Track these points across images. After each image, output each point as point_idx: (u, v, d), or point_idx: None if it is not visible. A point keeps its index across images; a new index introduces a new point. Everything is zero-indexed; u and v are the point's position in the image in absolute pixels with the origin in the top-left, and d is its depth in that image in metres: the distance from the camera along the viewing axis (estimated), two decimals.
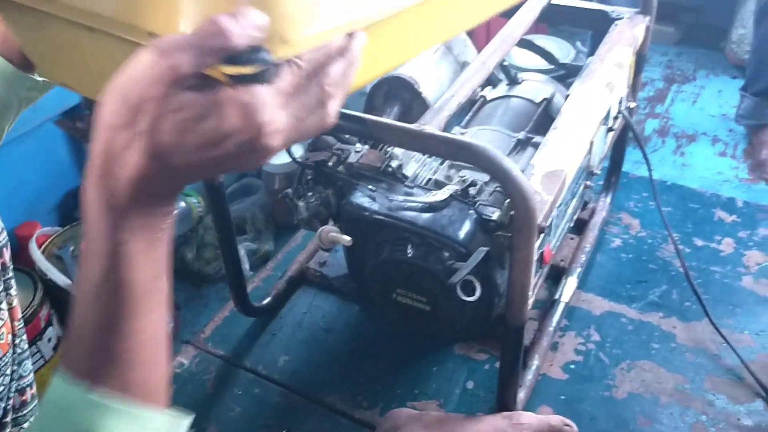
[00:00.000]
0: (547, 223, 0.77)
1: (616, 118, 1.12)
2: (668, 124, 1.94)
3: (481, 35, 1.94)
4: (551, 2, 1.15)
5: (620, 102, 1.13)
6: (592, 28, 1.23)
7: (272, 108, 0.38)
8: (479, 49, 1.90)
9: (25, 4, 0.50)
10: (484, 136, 1.13)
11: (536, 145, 1.04)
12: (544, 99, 1.19)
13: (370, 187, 1.00)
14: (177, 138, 0.37)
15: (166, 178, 0.40)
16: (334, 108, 0.43)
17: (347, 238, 0.99)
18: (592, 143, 0.99)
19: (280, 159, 1.59)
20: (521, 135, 1.10)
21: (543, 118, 1.16)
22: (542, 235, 0.81)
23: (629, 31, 1.11)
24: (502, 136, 1.12)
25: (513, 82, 1.26)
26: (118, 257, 0.40)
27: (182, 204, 1.43)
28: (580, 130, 0.90)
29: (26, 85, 0.65)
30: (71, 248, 1.18)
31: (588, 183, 1.09)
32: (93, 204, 0.40)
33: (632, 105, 1.20)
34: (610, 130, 1.11)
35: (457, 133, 1.12)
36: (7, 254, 0.66)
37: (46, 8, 0.49)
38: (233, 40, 0.36)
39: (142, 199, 0.40)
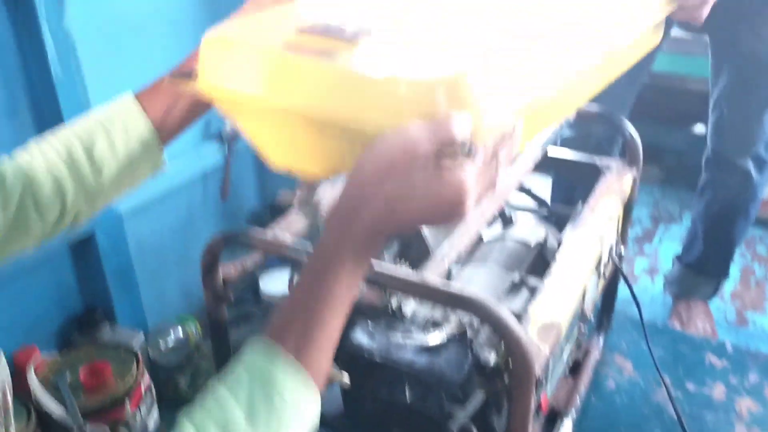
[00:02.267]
0: (544, 374, 0.79)
1: (606, 264, 1.17)
2: (657, 264, 2.00)
3: None
4: (548, 155, 1.23)
5: (610, 249, 1.18)
6: (583, 179, 1.30)
7: (473, 182, 0.53)
8: None
9: (271, 109, 0.63)
10: (482, 276, 1.17)
11: (531, 288, 1.08)
12: (538, 242, 1.24)
13: (369, 324, 1.03)
14: (407, 196, 0.52)
15: (393, 225, 0.53)
16: (498, 180, 0.58)
17: (346, 377, 1.00)
18: (584, 290, 1.03)
19: (280, 287, 1.62)
20: (516, 277, 1.14)
21: (537, 259, 1.21)
22: (539, 385, 0.83)
23: (617, 183, 1.18)
24: (499, 277, 1.16)
25: (507, 222, 1.32)
26: (336, 275, 0.54)
27: (179, 332, 1.44)
28: (573, 281, 0.94)
29: (153, 161, 0.75)
30: (68, 376, 1.18)
31: (581, 325, 1.12)
32: (333, 233, 0.54)
33: (622, 251, 1.25)
34: (601, 276, 1.15)
35: (455, 272, 1.15)
36: (9, 395, 0.67)
37: (289, 117, 0.62)
38: (459, 135, 0.52)
39: (371, 237, 0.53)
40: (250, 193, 1.84)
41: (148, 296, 1.52)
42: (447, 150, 0.52)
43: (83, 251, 1.36)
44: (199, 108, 0.75)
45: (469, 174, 0.52)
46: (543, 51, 0.67)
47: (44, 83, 1.15)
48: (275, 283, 1.60)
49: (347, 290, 0.55)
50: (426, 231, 1.19)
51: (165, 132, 0.74)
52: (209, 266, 0.89)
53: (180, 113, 0.74)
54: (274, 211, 1.83)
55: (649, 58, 1.54)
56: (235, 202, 1.76)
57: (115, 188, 0.74)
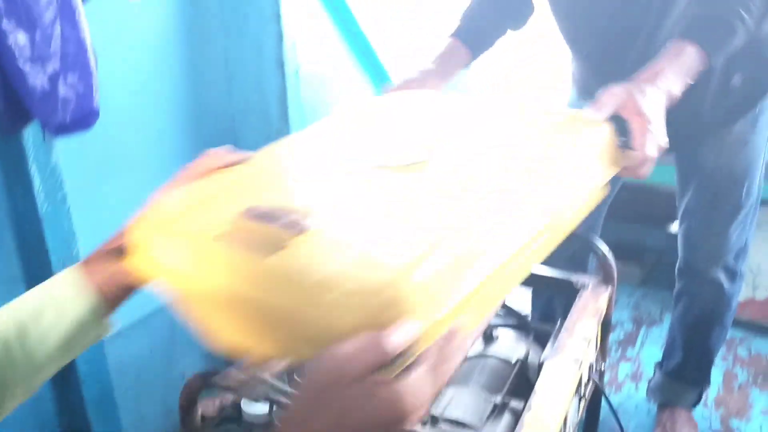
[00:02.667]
0: None
1: (587, 384, 1.18)
2: (640, 368, 2.01)
3: None
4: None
5: (590, 368, 1.20)
6: (562, 294, 1.33)
7: (415, 392, 0.51)
8: None
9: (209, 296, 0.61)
10: (463, 399, 1.17)
11: (513, 410, 1.08)
12: (518, 359, 1.25)
13: None
14: (343, 425, 0.50)
15: None
16: (445, 379, 0.56)
17: None
18: (565, 417, 1.04)
19: (262, 408, 1.60)
20: (498, 399, 1.14)
21: (518, 378, 1.21)
22: None
23: (593, 303, 1.20)
24: (480, 399, 1.15)
25: (488, 339, 1.33)
26: None
27: None
28: (553, 412, 0.95)
29: (94, 335, 0.72)
30: None
31: None
32: None
33: (602, 367, 1.26)
34: (582, 398, 1.15)
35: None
36: None
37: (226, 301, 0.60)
38: (394, 348, 0.51)
39: None
40: None
41: (129, 420, 1.50)
42: (380, 364, 0.51)
43: (62, 378, 1.35)
44: (138, 282, 0.72)
45: (408, 386, 0.51)
46: (486, 238, 0.65)
47: (30, 215, 1.17)
48: (258, 404, 1.58)
49: None
50: None
51: (110, 302, 0.72)
52: (187, 407, 0.90)
53: (117, 286, 0.71)
54: None
55: (617, 179, 1.60)
56: None
57: (54, 365, 0.71)
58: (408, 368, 0.52)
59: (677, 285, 1.69)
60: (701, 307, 1.64)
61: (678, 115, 1.04)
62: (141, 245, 0.65)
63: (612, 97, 0.97)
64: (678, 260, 1.67)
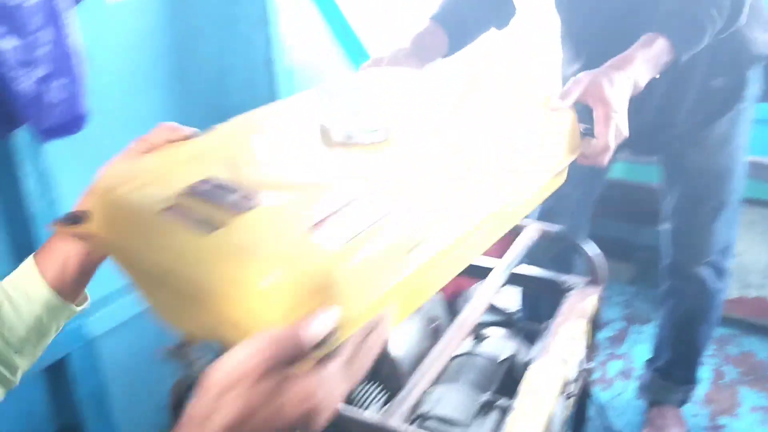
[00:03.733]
0: None
1: (574, 382, 1.19)
2: (631, 365, 2.02)
3: (449, 285, 2.06)
4: (513, 272, 1.27)
5: (578, 366, 1.21)
6: (548, 295, 1.34)
7: (329, 387, 0.49)
8: (447, 299, 2.00)
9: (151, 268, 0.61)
10: (452, 396, 1.18)
11: (501, 408, 1.10)
12: (506, 358, 1.26)
13: None
14: (247, 417, 0.47)
15: None
16: (362, 372, 0.54)
17: None
18: (552, 415, 1.05)
19: None
20: (486, 397, 1.15)
21: (506, 376, 1.23)
22: None
23: (581, 304, 1.21)
24: (468, 397, 1.17)
25: (477, 337, 1.34)
26: None
27: None
28: (539, 411, 0.96)
29: (66, 314, 0.74)
30: None
31: None
32: None
33: (591, 366, 1.27)
34: (569, 396, 1.17)
35: (426, 393, 1.16)
36: None
37: (165, 276, 0.60)
38: (310, 339, 0.48)
39: None
40: None
41: (122, 416, 1.51)
42: (297, 357, 0.48)
43: (56, 375, 1.36)
44: (93, 260, 0.73)
45: (326, 379, 0.49)
46: (429, 224, 0.64)
47: (22, 218, 1.18)
48: None
49: None
50: (396, 352, 1.21)
51: (66, 289, 0.73)
52: (176, 405, 0.91)
53: (74, 268, 0.72)
54: None
55: (604, 172, 1.61)
56: None
57: (31, 348, 0.73)
58: (323, 360, 0.49)
59: (664, 284, 1.71)
60: (688, 305, 1.65)
61: (660, 119, 1.06)
62: (95, 209, 0.66)
63: (578, 84, 0.97)
64: (664, 258, 1.68)
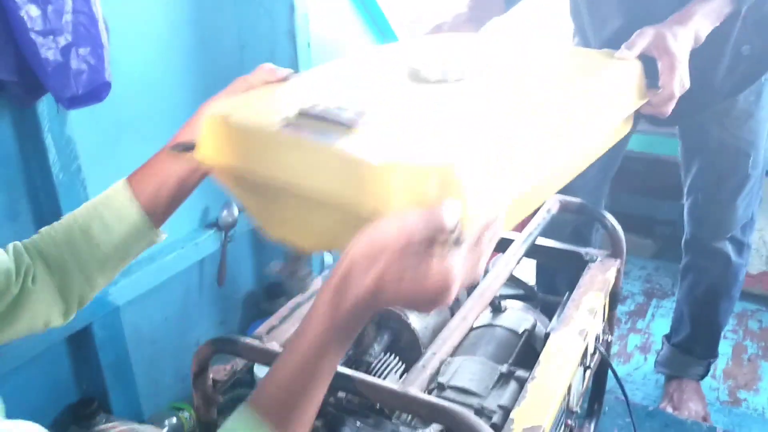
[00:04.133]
0: None
1: (593, 354, 1.19)
2: (650, 340, 2.02)
3: None
4: (535, 243, 1.27)
5: (597, 339, 1.21)
6: (569, 267, 1.34)
7: (460, 270, 0.55)
8: None
9: (268, 185, 0.66)
10: (470, 367, 1.19)
11: (519, 379, 1.10)
12: (525, 330, 1.26)
13: (358, 424, 1.04)
14: (396, 279, 0.54)
15: (375, 303, 0.56)
16: (483, 266, 0.60)
17: None
18: (570, 385, 1.05)
19: None
20: (504, 368, 1.16)
21: (525, 348, 1.23)
22: None
23: (601, 275, 1.21)
24: (487, 368, 1.17)
25: (496, 309, 1.34)
26: (321, 352, 0.57)
27: (174, 421, 1.45)
28: (557, 381, 0.96)
29: (148, 240, 0.80)
30: None
31: (569, 422, 1.13)
32: (321, 309, 0.56)
33: (609, 339, 1.27)
34: (587, 368, 1.17)
35: (444, 363, 1.17)
36: None
37: (284, 191, 0.65)
38: (450, 223, 0.54)
39: (356, 314, 0.56)
40: (246, 277, 1.87)
41: (144, 385, 1.54)
42: (438, 238, 0.54)
43: (79, 343, 1.38)
44: (188, 186, 0.80)
45: (457, 263, 0.55)
46: (529, 142, 0.70)
47: (46, 186, 1.19)
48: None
49: (329, 365, 0.58)
50: (416, 324, 1.22)
51: (157, 212, 0.80)
52: (199, 372, 0.92)
53: (168, 192, 0.79)
54: (269, 294, 1.86)
55: (620, 148, 1.60)
56: (231, 287, 1.79)
57: (112, 267, 0.81)
58: (456, 247, 0.55)
59: (684, 258, 1.70)
60: (709, 280, 1.64)
61: (692, 83, 1.05)
62: (210, 138, 0.70)
63: (643, 36, 1.02)
64: (684, 233, 1.67)
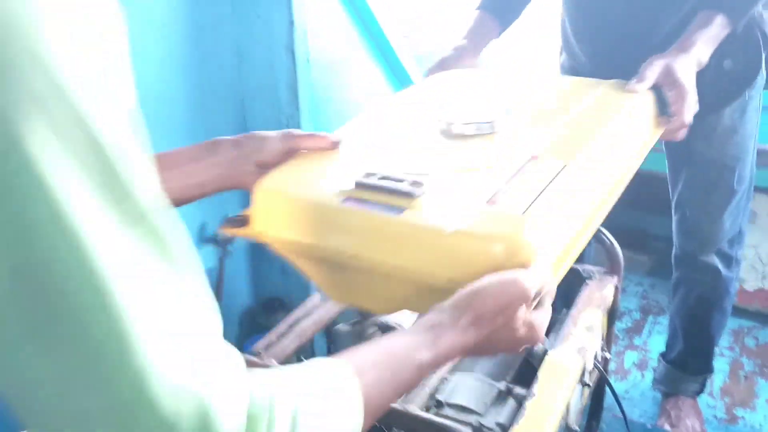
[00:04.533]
0: None
1: (591, 372, 1.19)
2: (647, 357, 2.01)
3: None
4: None
5: (595, 356, 1.20)
6: (566, 284, 1.34)
7: (542, 324, 0.65)
8: None
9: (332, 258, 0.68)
10: (468, 384, 1.18)
11: (517, 396, 1.10)
12: (524, 347, 1.26)
13: None
14: (505, 337, 0.62)
15: (479, 349, 0.62)
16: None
17: None
18: (569, 403, 1.05)
19: None
20: (503, 385, 1.15)
21: (524, 365, 1.23)
22: None
23: (599, 292, 1.21)
24: (485, 385, 1.17)
25: None
26: (433, 354, 0.59)
27: None
28: (555, 399, 0.96)
29: None
30: None
31: None
32: (448, 327, 0.60)
33: (607, 356, 1.27)
34: (585, 386, 1.16)
35: (442, 382, 1.17)
36: None
37: (349, 263, 0.67)
38: (547, 288, 0.65)
39: (464, 349, 0.61)
40: (244, 292, 1.87)
41: None
42: (531, 299, 0.61)
43: None
44: (179, 201, 0.78)
45: (540, 318, 0.64)
46: (580, 197, 0.74)
47: None
48: None
49: (425, 373, 0.60)
50: None
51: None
52: None
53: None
54: (267, 309, 1.86)
55: None
56: (228, 302, 1.78)
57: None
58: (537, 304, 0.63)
59: (675, 273, 1.71)
60: (699, 295, 1.65)
61: None
62: (265, 211, 0.71)
63: (652, 69, 1.06)
64: (674, 249, 1.68)
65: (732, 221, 1.56)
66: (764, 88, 1.47)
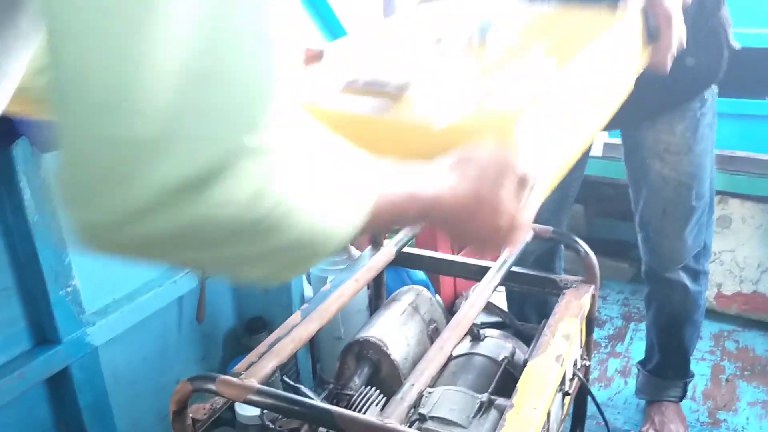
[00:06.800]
0: None
1: (571, 380, 1.20)
2: (629, 364, 2.03)
3: (448, 289, 2.07)
4: (510, 270, 1.28)
5: (574, 364, 1.22)
6: (544, 293, 1.36)
7: (528, 214, 0.60)
8: (446, 302, 2.01)
9: None
10: (451, 397, 1.19)
11: (499, 407, 1.11)
12: (505, 357, 1.28)
13: None
14: (486, 209, 0.57)
15: (459, 206, 0.57)
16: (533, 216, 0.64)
17: None
18: (549, 412, 1.06)
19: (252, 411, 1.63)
20: (484, 397, 1.16)
21: (505, 376, 1.24)
22: None
23: (576, 302, 1.23)
24: (467, 397, 1.18)
25: (475, 338, 1.35)
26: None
27: None
28: (535, 410, 0.97)
29: None
30: None
31: None
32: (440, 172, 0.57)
33: (587, 364, 1.29)
34: (566, 394, 1.18)
35: (424, 394, 1.17)
36: None
37: None
38: (535, 180, 0.60)
39: (439, 211, 0.57)
40: (227, 313, 1.86)
41: (124, 426, 1.52)
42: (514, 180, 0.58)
43: (58, 385, 1.37)
44: None
45: (527, 220, 0.60)
46: (571, 101, 0.73)
47: (20, 228, 1.19)
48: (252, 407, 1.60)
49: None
50: (396, 354, 1.22)
51: None
52: (178, 411, 0.92)
53: None
54: (250, 329, 1.85)
55: (580, 171, 1.63)
56: (211, 323, 1.78)
57: None
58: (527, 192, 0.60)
59: (646, 288, 1.73)
60: (670, 309, 1.68)
61: (636, 86, 1.08)
62: None
63: None
64: (642, 265, 1.70)
65: (694, 238, 1.58)
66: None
